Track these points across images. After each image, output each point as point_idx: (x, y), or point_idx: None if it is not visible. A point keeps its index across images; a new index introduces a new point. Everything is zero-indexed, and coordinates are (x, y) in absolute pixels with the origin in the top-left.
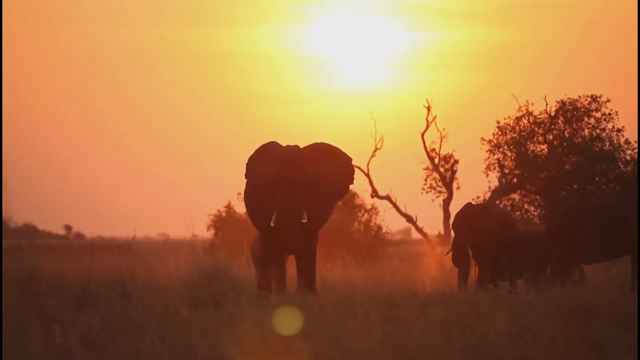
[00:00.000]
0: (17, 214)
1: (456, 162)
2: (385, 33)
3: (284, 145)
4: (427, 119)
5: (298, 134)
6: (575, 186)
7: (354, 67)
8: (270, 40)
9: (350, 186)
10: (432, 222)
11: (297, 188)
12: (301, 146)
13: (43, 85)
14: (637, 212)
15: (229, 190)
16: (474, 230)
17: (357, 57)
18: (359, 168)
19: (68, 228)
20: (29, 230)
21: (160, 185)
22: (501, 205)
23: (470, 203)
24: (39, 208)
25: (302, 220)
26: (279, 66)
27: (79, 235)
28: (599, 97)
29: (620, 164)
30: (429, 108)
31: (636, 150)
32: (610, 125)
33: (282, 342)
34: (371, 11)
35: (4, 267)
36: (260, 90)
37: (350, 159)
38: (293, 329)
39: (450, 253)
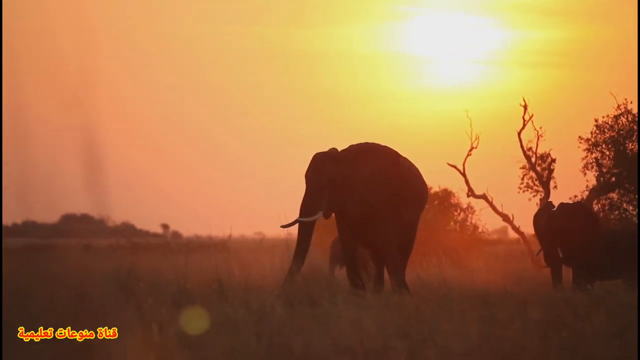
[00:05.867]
0: (116, 213)
1: (553, 161)
2: (481, 31)
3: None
4: (523, 118)
5: (394, 133)
6: None
7: (450, 65)
8: (367, 38)
9: (446, 185)
10: (529, 221)
11: (312, 187)
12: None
13: (142, 85)
14: (638, 215)
15: None
16: (563, 230)
17: (454, 55)
18: (454, 167)
19: (165, 227)
20: (127, 229)
21: (256, 184)
22: (599, 205)
23: (563, 203)
24: (137, 207)
25: (311, 217)
26: (376, 65)
27: (176, 234)
28: None
29: None
30: (525, 107)
31: None
32: None
33: (378, 341)
34: (467, 9)
35: (103, 266)
36: (356, 89)
37: (388, 161)
38: (200, 330)
39: (541, 253)
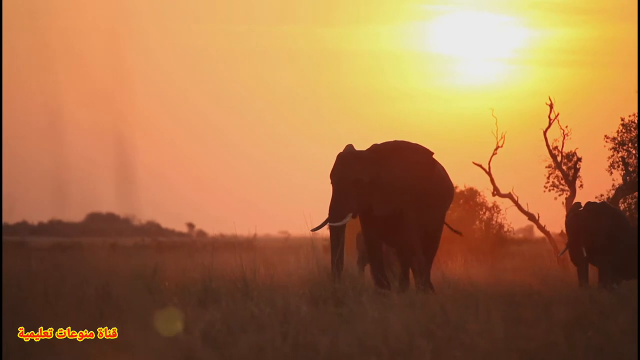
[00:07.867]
0: (141, 212)
1: (579, 159)
2: (507, 30)
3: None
4: (549, 117)
5: (419, 132)
6: None
7: (477, 64)
8: (393, 37)
9: (472, 184)
10: (555, 220)
11: (340, 189)
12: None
13: (169, 86)
14: (637, 214)
15: None
16: (588, 229)
17: (480, 54)
18: (480, 166)
19: (190, 226)
20: (153, 228)
21: (282, 183)
22: (625, 204)
23: (589, 202)
24: (163, 206)
25: (340, 222)
26: (402, 64)
27: (201, 233)
28: None
29: None
30: (551, 105)
31: None
32: None
33: (403, 341)
34: (493, 8)
35: (129, 265)
36: (383, 88)
37: (421, 156)
38: (172, 331)
39: (567, 252)
